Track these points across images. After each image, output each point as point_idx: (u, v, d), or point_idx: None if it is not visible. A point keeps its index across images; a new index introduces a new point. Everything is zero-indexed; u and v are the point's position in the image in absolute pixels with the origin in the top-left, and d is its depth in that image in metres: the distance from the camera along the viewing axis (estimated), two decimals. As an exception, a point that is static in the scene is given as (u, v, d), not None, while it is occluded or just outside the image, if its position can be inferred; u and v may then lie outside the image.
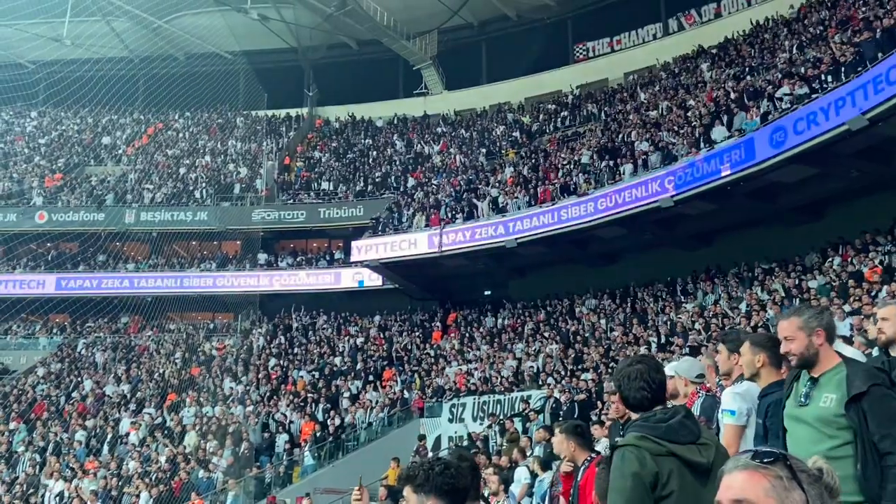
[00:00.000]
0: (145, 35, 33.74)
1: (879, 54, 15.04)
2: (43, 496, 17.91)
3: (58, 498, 17.66)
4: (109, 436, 20.49)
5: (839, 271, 15.86)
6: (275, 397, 21.95)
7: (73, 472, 18.58)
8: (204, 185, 29.87)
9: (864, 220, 16.82)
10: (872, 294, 13.13)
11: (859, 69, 15.21)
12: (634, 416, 2.82)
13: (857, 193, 17.50)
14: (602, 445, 7.98)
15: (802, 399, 3.07)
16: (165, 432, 20.38)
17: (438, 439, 18.85)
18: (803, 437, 3.01)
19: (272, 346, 25.53)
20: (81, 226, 27.98)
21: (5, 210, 28.25)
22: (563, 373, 17.96)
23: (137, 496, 17.10)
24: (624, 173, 20.24)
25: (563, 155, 24.11)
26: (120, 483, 17.85)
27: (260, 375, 23.41)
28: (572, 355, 18.76)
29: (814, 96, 16.16)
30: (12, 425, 21.18)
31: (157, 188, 29.58)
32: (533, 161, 24.89)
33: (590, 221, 20.03)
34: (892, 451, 2.83)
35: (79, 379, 24.02)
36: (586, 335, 19.85)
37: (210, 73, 31.03)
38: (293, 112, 34.31)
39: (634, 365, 2.81)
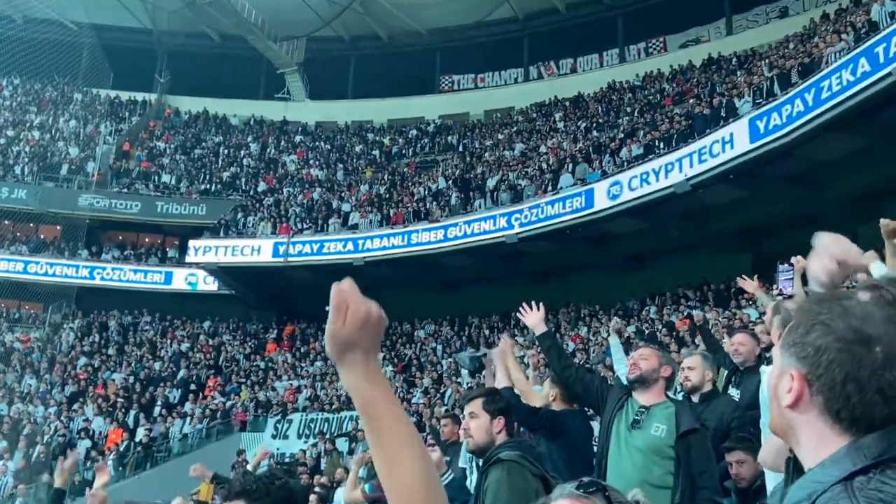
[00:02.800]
0: (-22, -12, 30.24)
1: (708, 129, 16.78)
2: None
3: None
4: None
5: (654, 319, 17.31)
6: (81, 399, 20.08)
7: None
8: (27, 160, 27.06)
9: (679, 274, 18.57)
10: (680, 344, 14.40)
11: (689, 140, 16.87)
12: (500, 439, 2.92)
13: (676, 250, 19.28)
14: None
15: (633, 424, 3.31)
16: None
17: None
18: (633, 459, 3.28)
19: (84, 343, 23.41)
20: None
21: None
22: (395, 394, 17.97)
23: None
24: (476, 206, 20.89)
25: (419, 180, 24.46)
26: None
27: (66, 374, 21.36)
28: (405, 378, 18.86)
29: (648, 157, 17.70)
30: None
31: (-30, 157, 26.42)
32: (389, 182, 25.02)
33: (438, 248, 20.43)
34: (706, 487, 3.17)
35: None
36: (421, 360, 20.06)
37: (50, 41, 28.38)
38: (140, 97, 32.11)
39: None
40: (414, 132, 29.29)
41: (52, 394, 20.27)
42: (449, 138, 27.92)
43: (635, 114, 21.97)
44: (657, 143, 18.25)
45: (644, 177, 17.15)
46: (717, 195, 16.63)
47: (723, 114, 16.88)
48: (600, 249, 19.85)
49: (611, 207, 17.58)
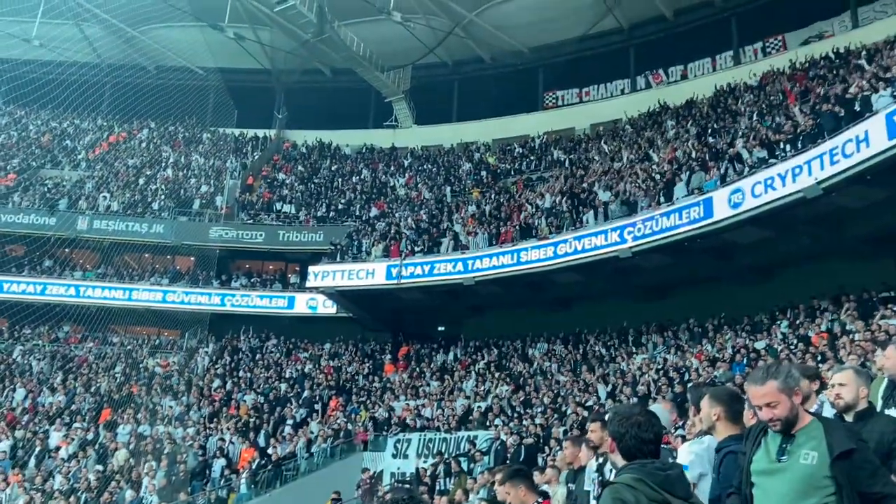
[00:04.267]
0: (116, 43, 33.36)
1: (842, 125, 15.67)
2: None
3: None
4: (38, 448, 19.63)
5: (787, 334, 16.26)
6: (216, 420, 21.37)
7: (-6, 485, 17.70)
8: (163, 197, 29.36)
9: (812, 285, 17.36)
10: (818, 359, 13.48)
11: (818, 140, 15.85)
12: (620, 462, 2.81)
13: (807, 259, 18.09)
14: (553, 490, 7.87)
15: (779, 455, 3.02)
16: (97, 448, 19.62)
17: (380, 474, 18.54)
18: (782, 492, 2.94)
19: (217, 366, 24.94)
20: (30, 229, 27.18)
21: (-50, 207, 27.30)
22: (511, 414, 17.93)
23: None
24: (586, 221, 20.58)
25: (526, 197, 24.45)
26: (44, 499, 17.05)
27: (202, 396, 22.80)
28: (521, 398, 18.76)
29: (771, 161, 16.77)
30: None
31: (114, 197, 28.95)
32: (496, 201, 25.17)
33: (548, 265, 20.27)
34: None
35: (12, 387, 23.04)
36: (537, 378, 19.90)
37: (180, 86, 30.76)
38: (261, 133, 34.15)
39: (644, 415, 2.82)
40: (519, 150, 29.34)
41: (190, 414, 21.69)
42: (555, 153, 27.76)
43: (755, 116, 20.95)
44: (782, 146, 17.27)
45: (769, 182, 16.24)
46: (853, 198, 15.48)
47: (857, 108, 15.71)
48: (723, 261, 18.97)
49: (733, 216, 16.78)
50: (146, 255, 29.07)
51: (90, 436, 20.29)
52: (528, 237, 21.37)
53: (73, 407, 22.03)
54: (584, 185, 22.89)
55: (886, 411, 4.29)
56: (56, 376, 23.97)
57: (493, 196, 25.87)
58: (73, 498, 16.96)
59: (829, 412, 4.72)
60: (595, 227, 19.82)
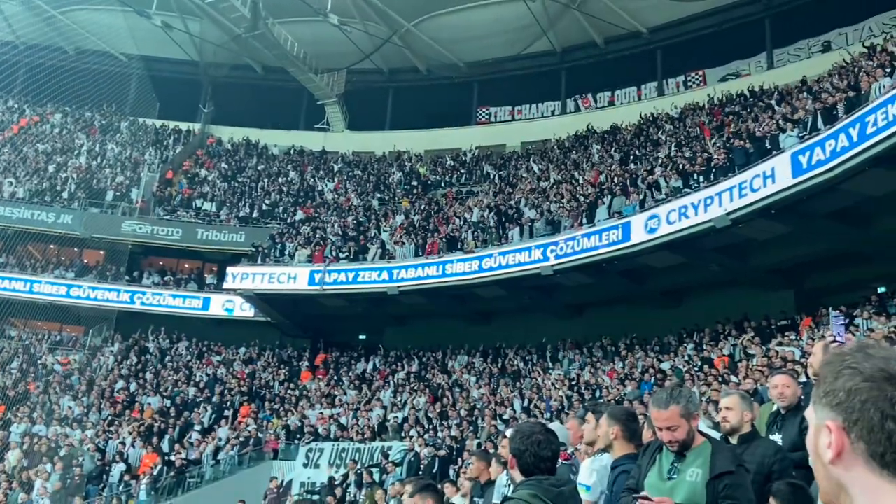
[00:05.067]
0: (35, 22, 31.58)
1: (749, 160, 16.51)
2: None
3: None
4: (-86, 448, 18.15)
5: (692, 356, 16.92)
6: (117, 422, 20.33)
7: None
8: (74, 187, 27.90)
9: (718, 310, 18.16)
10: (719, 381, 14.03)
11: (729, 174, 16.61)
12: (519, 478, 2.87)
13: (715, 285, 18.89)
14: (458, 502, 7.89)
15: (669, 473, 3.17)
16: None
17: (290, 484, 18.05)
18: None
19: (122, 367, 23.78)
20: (-77, 211, 25.30)
21: None
22: (426, 426, 17.84)
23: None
24: (511, 237, 20.81)
25: (454, 210, 24.53)
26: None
27: (104, 397, 21.67)
28: (438, 409, 18.70)
29: (686, 191, 17.46)
30: None
31: (20, 183, 27.30)
32: (425, 212, 25.14)
33: (473, 279, 20.37)
34: None
35: None
36: (455, 391, 19.90)
37: (100, 71, 29.37)
38: (184, 126, 32.98)
39: (543, 433, 2.91)
40: (450, 162, 29.47)
41: (89, 416, 20.56)
42: (486, 168, 28.02)
43: (672, 146, 21.78)
44: (696, 176, 18.01)
45: (683, 210, 16.90)
46: (759, 230, 16.29)
47: (767, 145, 16.59)
48: (637, 283, 19.56)
49: (648, 241, 17.35)
50: (52, 247, 27.51)
51: (-23, 435, 18.93)
52: (455, 250, 21.43)
53: (-41, 404, 20.52)
54: (512, 201, 23.18)
55: (771, 436, 4.50)
56: (-59, 370, 22.29)
57: (422, 207, 25.84)
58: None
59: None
60: (520, 244, 20.09)
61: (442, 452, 15.66)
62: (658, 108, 26.30)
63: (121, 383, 22.61)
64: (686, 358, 16.98)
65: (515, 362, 20.81)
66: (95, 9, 30.29)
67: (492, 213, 22.59)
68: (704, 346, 17.00)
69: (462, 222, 23.09)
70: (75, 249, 27.69)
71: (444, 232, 22.77)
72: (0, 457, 18.12)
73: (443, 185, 28.06)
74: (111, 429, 19.85)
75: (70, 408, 20.78)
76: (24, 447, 18.48)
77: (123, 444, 18.97)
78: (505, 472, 5.40)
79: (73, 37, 32.52)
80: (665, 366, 16.90)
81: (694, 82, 27.71)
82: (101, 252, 27.41)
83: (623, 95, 29.35)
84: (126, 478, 17.84)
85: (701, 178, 17.74)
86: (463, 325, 23.00)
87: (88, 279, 25.96)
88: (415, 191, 27.91)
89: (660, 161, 20.74)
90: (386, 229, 24.28)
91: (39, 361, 23.76)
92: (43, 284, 25.39)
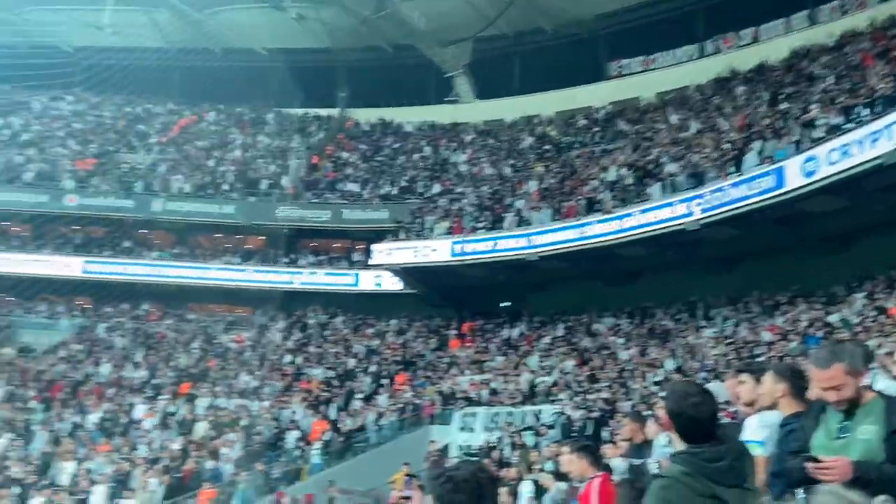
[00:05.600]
0: (184, 28, 34.17)
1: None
2: (54, 475, 18.16)
3: (68, 478, 17.91)
4: (124, 420, 20.73)
5: (863, 306, 15.65)
6: (288, 394, 22.07)
7: (85, 454, 18.84)
8: (232, 178, 30.18)
9: (891, 255, 16.55)
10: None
11: (897, 104, 15.02)
12: (679, 445, 2.81)
13: (887, 227, 17.23)
14: (615, 464, 7.94)
15: (838, 433, 3.03)
16: (179, 421, 20.59)
17: (447, 447, 18.82)
18: None
19: (288, 342, 25.70)
20: (110, 211, 28.40)
21: (37, 191, 28.73)
22: (576, 389, 17.90)
23: (146, 482, 17.28)
24: (651, 194, 20.14)
25: (590, 171, 24.06)
26: (131, 468, 18.05)
27: (274, 371, 23.57)
28: (587, 372, 18.68)
29: (847, 127, 15.99)
30: (31, 403, 21.49)
31: (187, 179, 29.92)
32: (560, 175, 24.86)
33: (613, 240, 19.97)
34: None
35: (97, 362, 24.33)
36: (602, 353, 19.76)
37: (245, 68, 31.38)
38: (324, 112, 34.55)
39: (699, 395, 2.79)
40: (583, 122, 28.83)
41: (264, 389, 22.48)
42: (620, 125, 27.16)
43: (830, 80, 19.96)
44: (859, 111, 16.42)
45: (845, 149, 15.52)
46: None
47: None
48: (794, 231, 18.27)
49: (806, 186, 16.13)
50: (218, 235, 30.01)
51: (172, 408, 21.28)
52: (593, 211, 21.08)
53: (155, 381, 23.12)
54: (650, 156, 22.36)
55: None
56: (138, 352, 25.16)
57: (556, 170, 25.56)
58: (159, 466, 17.87)
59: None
60: (661, 200, 19.39)
61: (594, 414, 15.69)
62: (810, 40, 24.12)
63: (288, 357, 24.46)
64: (857, 309, 15.73)
65: (664, 322, 20.27)
66: (236, 8, 32.24)
67: (630, 171, 21.94)
68: (877, 295, 15.67)
69: (599, 183, 22.62)
70: (238, 237, 30.04)
71: (580, 194, 22.43)
72: (189, 429, 20.28)
73: (576, 146, 27.53)
74: (283, 399, 21.58)
75: (246, 381, 22.81)
76: (210, 419, 20.57)
77: (295, 412, 20.60)
78: (664, 431, 5.37)
79: (218, 37, 34.87)
80: (833, 318, 15.77)
81: (852, 6, 25.09)
82: (261, 237, 29.58)
83: (769, 30, 27.12)
84: (300, 444, 19.40)
85: (865, 112, 16.16)
86: (606, 287, 22.67)
87: (252, 263, 28.15)
88: (548, 154, 27.62)
89: (816, 97, 19.12)
90: (521, 196, 24.29)
91: (216, 341, 26.19)
92: (213, 271, 27.87)
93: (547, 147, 28.18)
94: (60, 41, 34.89)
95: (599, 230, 20.25)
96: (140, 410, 21.19)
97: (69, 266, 27.65)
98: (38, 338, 26.93)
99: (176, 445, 19.13)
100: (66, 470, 18.19)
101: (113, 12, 31.68)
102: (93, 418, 20.73)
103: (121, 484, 17.33)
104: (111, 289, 27.50)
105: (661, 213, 18.98)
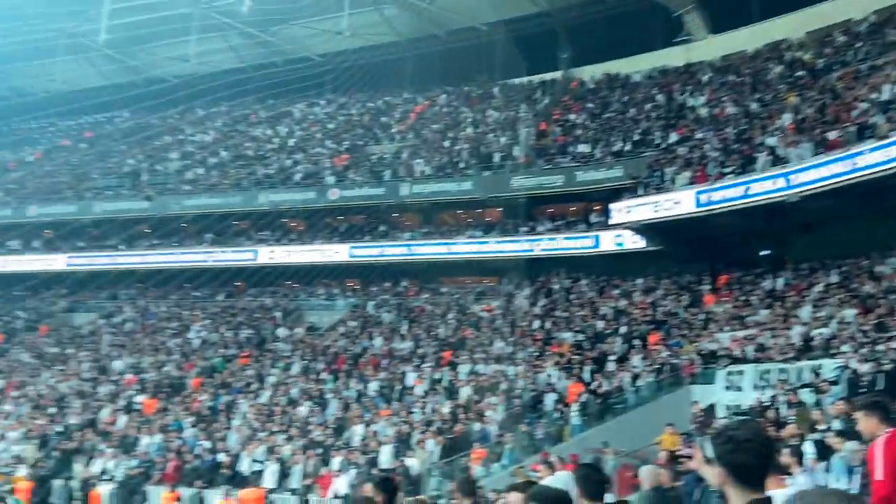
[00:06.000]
0: (411, 18, 36.16)
1: None
2: (348, 437, 20.67)
3: (359, 439, 20.27)
4: (398, 387, 22.88)
5: None
6: (541, 358, 22.64)
7: (371, 418, 21.16)
8: (467, 155, 31.43)
9: None
10: None
11: None
12: None
13: None
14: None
15: None
16: (445, 387, 22.20)
17: (712, 408, 17.99)
18: None
19: (535, 308, 26.29)
20: (365, 200, 31.24)
21: (305, 189, 32.51)
22: (861, 340, 16.02)
23: (424, 443, 18.93)
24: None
25: (857, 93, 21.10)
26: (409, 430, 19.90)
27: (526, 337, 24.29)
28: (873, 321, 16.61)
29: None
30: (322, 375, 24.62)
31: (427, 161, 31.78)
32: (819, 103, 22.17)
33: (892, 168, 17.38)
34: None
35: (370, 336, 27.07)
36: (890, 298, 17.41)
37: (469, 47, 32.34)
38: (548, 77, 34.47)
39: None
40: (841, 39, 25.30)
41: (517, 354, 23.30)
42: (889, 35, 23.37)
43: None
44: None
45: None
46: None
47: None
48: None
49: None
50: (460, 212, 31.54)
51: (437, 375, 23.00)
52: (864, 139, 18.50)
53: (420, 351, 25.12)
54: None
55: None
56: (403, 325, 27.50)
57: (813, 98, 22.82)
58: (433, 429, 19.47)
59: None
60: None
61: (886, 367, 13.92)
62: None
63: (537, 323, 25.06)
64: None
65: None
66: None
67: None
68: None
69: (869, 105, 19.75)
70: (478, 210, 31.30)
71: (846, 121, 19.79)
72: (455, 394, 21.74)
73: (836, 67, 24.28)
74: (537, 363, 22.20)
75: (501, 348, 23.83)
76: (472, 384, 21.86)
77: (550, 376, 21.09)
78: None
79: (441, 21, 36.35)
80: None
81: None
82: (499, 209, 30.52)
83: None
84: (558, 406, 19.85)
85: None
86: (887, 224, 19.82)
87: (493, 235, 29.19)
88: (801, 82, 24.72)
89: None
90: (773, 132, 22.08)
91: (469, 311, 27.67)
92: (459, 245, 29.40)
93: (799, 74, 25.24)
94: (309, 52, 38.87)
95: (874, 159, 17.72)
96: (411, 378, 23.19)
97: (338, 252, 31.01)
98: (321, 317, 30.71)
99: (445, 409, 20.66)
100: (356, 432, 20.61)
101: (349, 16, 34.49)
102: (373, 386, 23.16)
103: (403, 444, 19.20)
104: (374, 270, 30.37)
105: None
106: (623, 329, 22.88)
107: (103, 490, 19.44)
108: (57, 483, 19.88)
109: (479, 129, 33.36)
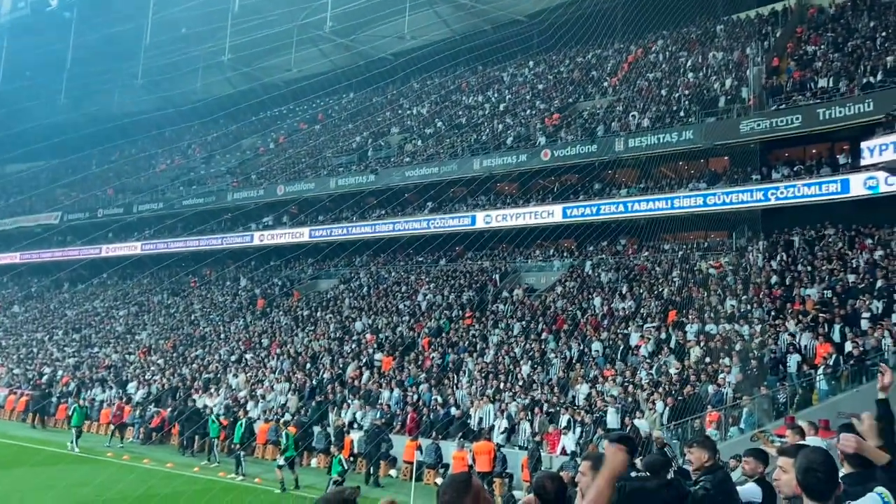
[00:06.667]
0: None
1: None
2: (573, 397, 20.73)
3: (584, 398, 20.24)
4: (621, 347, 22.41)
5: None
6: (781, 316, 20.82)
7: (595, 378, 21.01)
8: (687, 103, 29.48)
9: None
10: None
11: None
12: None
13: None
14: None
15: None
16: (672, 347, 21.32)
17: None
18: None
19: (772, 263, 24.16)
20: (578, 158, 30.67)
21: (518, 152, 32.71)
22: None
23: (653, 403, 18.39)
24: None
25: None
26: (635, 390, 19.45)
27: (762, 294, 22.46)
28: None
29: None
30: (543, 335, 24.88)
31: (642, 114, 30.35)
32: None
33: None
34: None
35: (589, 296, 26.76)
36: None
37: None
38: (779, 6, 31.01)
39: None
40: None
41: (752, 312, 21.63)
42: None
43: None
44: None
45: None
46: None
47: None
48: None
49: None
50: (681, 164, 29.78)
51: (663, 335, 22.14)
52: None
53: (643, 311, 24.33)
54: None
55: None
56: (623, 285, 26.80)
57: None
58: (661, 390, 18.84)
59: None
60: None
61: None
62: None
63: (775, 278, 23.03)
64: None
65: None
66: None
67: None
68: None
69: None
70: (701, 161, 29.32)
71: None
72: (683, 354, 20.77)
73: None
74: (776, 322, 20.45)
75: (733, 306, 22.27)
76: (701, 345, 20.73)
77: (792, 335, 19.34)
78: None
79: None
80: None
81: None
82: (726, 158, 28.30)
83: None
84: (804, 368, 18.18)
85: None
86: None
87: (720, 186, 27.18)
88: None
89: None
90: None
91: (695, 268, 26.17)
92: (681, 199, 27.78)
93: None
94: (517, 14, 38.79)
95: None
96: (634, 338, 22.59)
97: (552, 213, 30.90)
98: (538, 279, 30.97)
99: (673, 370, 19.87)
100: (581, 392, 20.60)
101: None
102: (595, 346, 22.93)
103: (630, 405, 18.83)
104: (590, 229, 29.84)
105: None
106: (879, 283, 20.24)
107: (355, 436, 21.55)
108: (316, 429, 22.43)
109: (700, 73, 31.09)
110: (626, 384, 19.96)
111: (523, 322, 26.41)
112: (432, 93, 42.81)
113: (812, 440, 9.73)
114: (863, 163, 21.65)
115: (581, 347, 23.23)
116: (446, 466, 19.54)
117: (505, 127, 35.32)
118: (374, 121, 43.04)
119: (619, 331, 23.40)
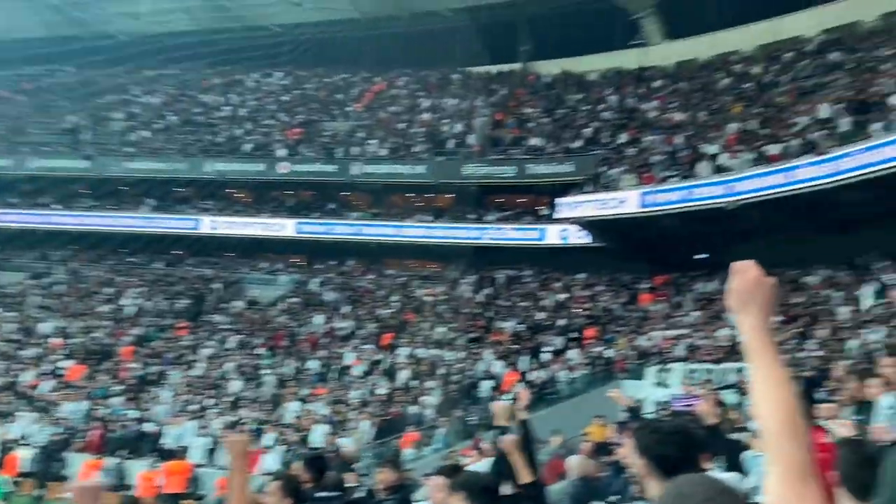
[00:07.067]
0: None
1: None
2: (281, 415, 20.57)
3: (293, 417, 20.20)
4: (336, 367, 22.85)
5: None
6: (480, 345, 22.95)
7: (306, 396, 21.10)
8: (422, 140, 31.38)
9: None
10: None
11: None
12: None
13: None
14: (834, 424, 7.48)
15: None
16: (384, 369, 22.28)
17: (641, 403, 18.56)
18: None
19: (478, 296, 26.58)
20: (316, 176, 30.87)
21: (254, 160, 31.93)
22: (784, 348, 16.80)
23: (359, 423, 19.00)
24: (872, 133, 18.01)
25: (799, 109, 21.94)
26: (345, 410, 19.93)
27: (467, 323, 24.56)
28: (796, 330, 17.42)
29: None
30: (259, 350, 24.37)
31: (381, 143, 31.60)
32: (762, 116, 22.95)
33: (828, 183, 18.19)
34: None
35: (311, 314, 26.89)
36: (814, 309, 18.28)
37: (431, 32, 32.15)
38: (506, 68, 34.60)
39: None
40: (789, 56, 26.20)
41: (458, 340, 23.57)
42: (834, 55, 24.33)
43: None
44: None
45: None
46: None
47: None
48: None
49: None
50: (411, 195, 31.51)
51: (377, 357, 23.06)
52: (803, 154, 19.30)
53: (361, 331, 25.12)
54: (872, 89, 19.88)
55: None
56: (345, 305, 27.41)
57: (757, 111, 23.61)
58: (369, 409, 19.56)
59: None
60: (888, 136, 17.25)
61: (806, 374, 14.64)
62: None
63: (479, 310, 25.36)
64: None
65: (886, 277, 18.23)
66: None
67: (846, 108, 19.71)
68: None
69: (809, 121, 20.59)
70: (429, 195, 31.35)
71: (786, 136, 20.58)
72: (393, 376, 21.86)
73: (781, 83, 25.16)
74: (476, 350, 22.50)
75: (441, 333, 24.03)
76: (411, 368, 22.02)
77: (487, 363, 21.42)
78: (889, 392, 5.06)
79: (405, 3, 35.98)
80: None
81: None
82: (450, 195, 30.61)
83: None
84: (494, 393, 20.18)
85: None
86: (818, 238, 20.76)
87: (443, 221, 29.30)
88: (747, 94, 25.53)
89: None
90: (717, 141, 22.79)
91: (413, 295, 27.77)
92: (408, 228, 29.42)
93: (746, 86, 26.05)
94: (267, 21, 37.98)
95: (811, 174, 18.53)
96: (349, 358, 23.19)
97: (284, 227, 30.62)
98: (263, 292, 30.31)
99: (382, 391, 20.77)
100: (290, 409, 20.53)
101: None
102: (311, 364, 23.07)
103: (337, 424, 19.22)
104: (321, 247, 30.12)
105: (890, 150, 16.92)
106: (562, 322, 23.36)
107: (23, 454, 18.85)
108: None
109: (435, 114, 33.31)
110: (335, 403, 20.35)
111: (241, 335, 25.63)
112: (167, 83, 39.95)
113: (489, 460, 10.75)
114: (558, 216, 24.96)
115: (297, 365, 23.19)
116: (128, 488, 17.99)
117: (244, 132, 34.25)
118: (94, 101, 38.80)
119: (336, 350, 23.83)
